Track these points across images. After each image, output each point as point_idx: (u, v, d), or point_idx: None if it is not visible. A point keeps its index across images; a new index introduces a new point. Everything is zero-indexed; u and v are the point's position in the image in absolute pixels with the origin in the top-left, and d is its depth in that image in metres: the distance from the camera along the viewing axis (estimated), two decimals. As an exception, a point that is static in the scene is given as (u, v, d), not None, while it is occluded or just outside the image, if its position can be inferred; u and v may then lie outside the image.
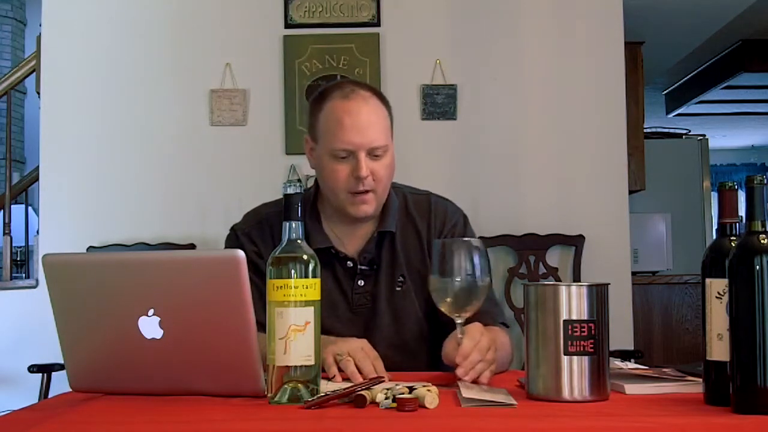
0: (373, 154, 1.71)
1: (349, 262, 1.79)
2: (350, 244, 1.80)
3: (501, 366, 1.59)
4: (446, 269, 1.40)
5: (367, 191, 1.71)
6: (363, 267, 1.79)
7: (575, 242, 3.46)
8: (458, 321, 1.42)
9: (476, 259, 1.40)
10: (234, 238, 1.83)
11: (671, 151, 5.03)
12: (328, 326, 1.52)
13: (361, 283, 1.79)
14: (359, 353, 1.48)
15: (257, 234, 1.81)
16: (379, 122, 1.72)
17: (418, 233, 1.83)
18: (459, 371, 1.37)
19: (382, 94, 1.80)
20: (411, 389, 1.22)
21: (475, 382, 1.38)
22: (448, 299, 1.40)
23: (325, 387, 1.31)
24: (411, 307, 1.80)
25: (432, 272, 1.42)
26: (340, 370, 1.47)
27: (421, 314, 1.80)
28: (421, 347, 1.82)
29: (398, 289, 1.79)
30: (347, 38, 3.51)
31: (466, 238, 1.48)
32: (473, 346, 1.40)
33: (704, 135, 5.24)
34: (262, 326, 1.28)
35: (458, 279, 1.39)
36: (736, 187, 1.21)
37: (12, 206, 4.23)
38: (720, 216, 1.21)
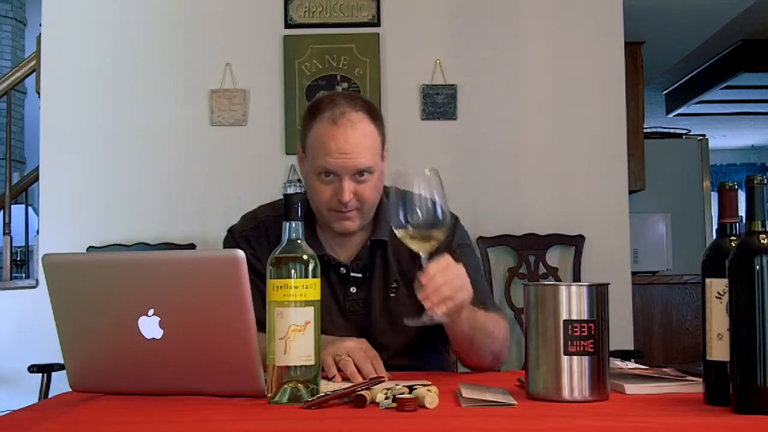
0: (358, 176, 1.70)
1: (342, 269, 1.79)
2: (343, 251, 1.81)
3: (491, 338, 1.62)
4: (406, 202, 1.40)
5: (350, 210, 1.71)
6: (355, 274, 1.79)
7: (575, 242, 3.46)
8: (422, 255, 1.42)
9: (435, 190, 1.41)
10: (231, 240, 1.83)
11: (671, 151, 5.02)
12: (323, 331, 1.52)
13: (353, 290, 1.79)
14: (358, 353, 1.48)
15: (254, 237, 1.81)
16: (366, 146, 1.69)
17: None
18: (421, 294, 1.37)
19: (376, 112, 1.76)
20: (411, 389, 1.22)
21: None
22: (410, 232, 1.40)
23: (325, 387, 1.31)
24: (406, 313, 1.79)
25: (393, 208, 1.41)
26: (339, 370, 1.47)
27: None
28: (418, 350, 1.82)
29: (392, 295, 1.79)
30: (347, 38, 3.51)
31: (425, 170, 1.47)
32: (437, 270, 1.40)
33: (704, 135, 5.24)
34: (261, 326, 1.28)
35: (419, 212, 1.39)
36: (736, 187, 1.21)
37: (12, 206, 4.23)
38: (720, 216, 1.21)
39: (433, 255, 1.43)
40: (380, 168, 1.75)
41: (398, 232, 1.41)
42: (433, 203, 1.40)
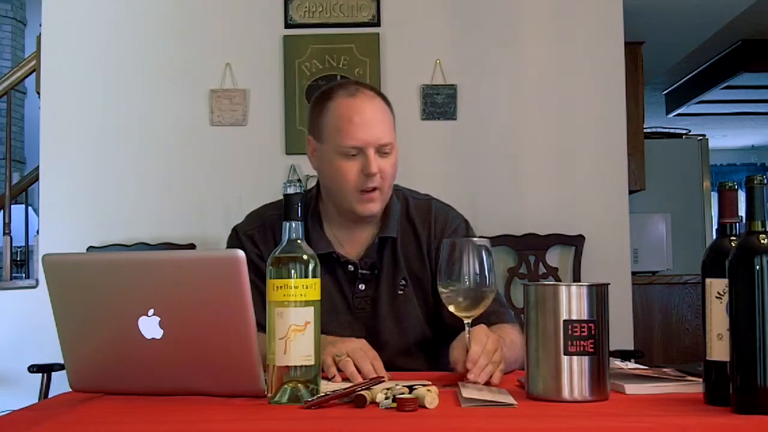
0: (381, 151, 1.71)
1: (350, 266, 1.78)
2: (351, 248, 1.80)
3: (513, 364, 1.59)
4: (454, 270, 1.39)
5: (374, 188, 1.71)
6: (364, 271, 1.78)
7: (575, 242, 3.46)
8: (466, 321, 1.42)
9: (484, 259, 1.40)
10: (236, 239, 1.83)
11: (671, 151, 5.03)
12: (329, 330, 1.51)
13: (361, 287, 1.79)
14: (358, 353, 1.48)
15: (259, 236, 1.80)
16: (385, 120, 1.73)
17: (417, 238, 1.82)
18: (470, 376, 1.37)
19: (384, 95, 1.80)
20: (411, 389, 1.22)
21: (487, 383, 1.38)
22: (458, 300, 1.40)
23: (325, 387, 1.31)
24: (414, 312, 1.79)
25: (440, 273, 1.41)
26: (339, 370, 1.47)
27: (423, 318, 1.80)
28: (423, 351, 1.82)
29: (400, 293, 1.79)
30: (347, 38, 3.51)
31: (473, 238, 1.47)
32: (481, 350, 1.40)
33: (704, 135, 5.24)
34: (262, 327, 1.28)
35: (467, 279, 1.39)
36: (736, 187, 1.20)
37: (12, 206, 4.23)
38: (720, 216, 1.21)
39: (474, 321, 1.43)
40: (396, 147, 1.76)
41: (444, 299, 1.41)
42: (481, 271, 1.39)
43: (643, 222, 4.33)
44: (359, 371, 1.44)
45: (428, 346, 1.82)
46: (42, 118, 3.54)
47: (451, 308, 1.41)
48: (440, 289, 1.41)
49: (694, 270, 3.76)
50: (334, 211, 1.79)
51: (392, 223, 1.80)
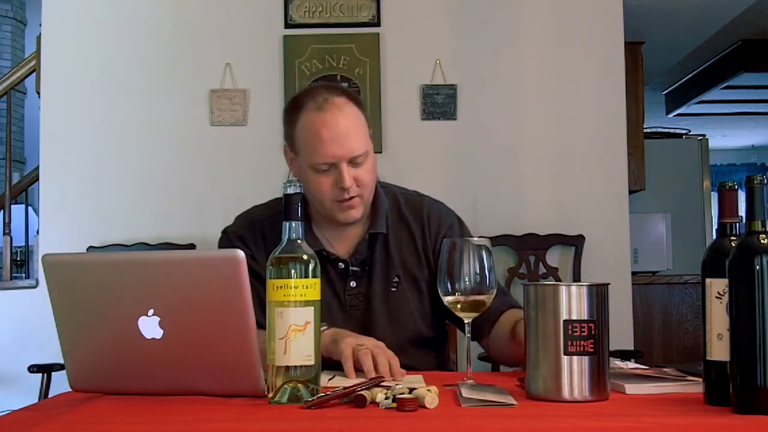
0: (354, 162, 1.70)
1: (340, 264, 1.79)
2: (341, 246, 1.80)
3: None
4: (454, 270, 1.39)
5: (352, 197, 1.72)
6: (354, 268, 1.78)
7: (575, 242, 3.46)
8: (467, 321, 1.42)
9: (484, 259, 1.40)
10: (226, 241, 1.83)
11: (671, 151, 5.03)
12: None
13: (353, 284, 1.79)
14: (378, 348, 1.48)
15: (249, 237, 1.81)
16: (356, 129, 1.71)
17: (411, 235, 1.82)
18: None
19: (356, 96, 1.78)
20: (411, 389, 1.22)
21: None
22: (458, 300, 1.40)
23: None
24: (407, 308, 1.79)
25: (440, 273, 1.41)
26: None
27: (417, 314, 1.80)
28: (418, 347, 1.81)
29: (393, 289, 1.79)
30: (347, 38, 3.51)
31: (474, 238, 1.46)
32: None
33: (704, 135, 5.24)
34: (258, 325, 1.27)
35: (467, 279, 1.39)
36: (736, 187, 1.20)
37: (12, 206, 4.23)
38: (720, 216, 1.21)
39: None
40: (371, 152, 1.76)
41: (445, 299, 1.41)
42: (481, 271, 1.39)
43: (643, 222, 4.33)
44: (376, 366, 1.44)
45: (424, 343, 1.82)
46: (42, 118, 3.54)
47: (452, 308, 1.41)
48: (440, 290, 1.41)
49: (694, 270, 3.76)
50: (319, 213, 1.80)
51: (381, 219, 1.80)
